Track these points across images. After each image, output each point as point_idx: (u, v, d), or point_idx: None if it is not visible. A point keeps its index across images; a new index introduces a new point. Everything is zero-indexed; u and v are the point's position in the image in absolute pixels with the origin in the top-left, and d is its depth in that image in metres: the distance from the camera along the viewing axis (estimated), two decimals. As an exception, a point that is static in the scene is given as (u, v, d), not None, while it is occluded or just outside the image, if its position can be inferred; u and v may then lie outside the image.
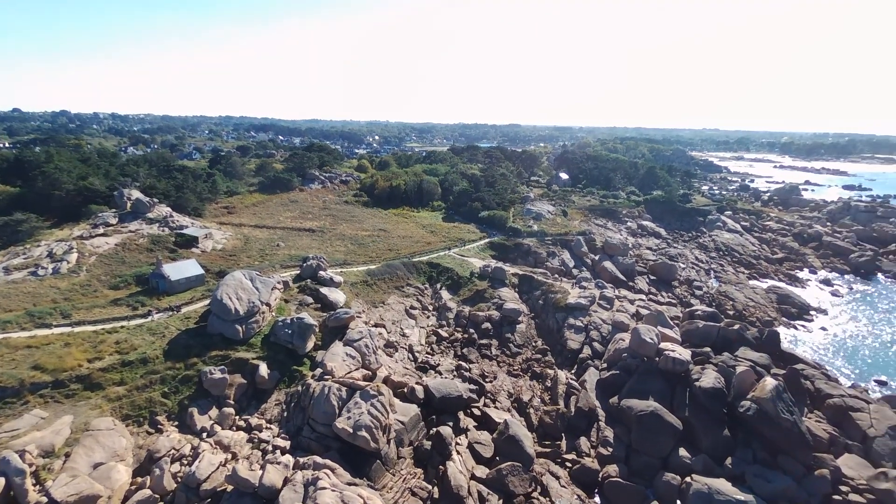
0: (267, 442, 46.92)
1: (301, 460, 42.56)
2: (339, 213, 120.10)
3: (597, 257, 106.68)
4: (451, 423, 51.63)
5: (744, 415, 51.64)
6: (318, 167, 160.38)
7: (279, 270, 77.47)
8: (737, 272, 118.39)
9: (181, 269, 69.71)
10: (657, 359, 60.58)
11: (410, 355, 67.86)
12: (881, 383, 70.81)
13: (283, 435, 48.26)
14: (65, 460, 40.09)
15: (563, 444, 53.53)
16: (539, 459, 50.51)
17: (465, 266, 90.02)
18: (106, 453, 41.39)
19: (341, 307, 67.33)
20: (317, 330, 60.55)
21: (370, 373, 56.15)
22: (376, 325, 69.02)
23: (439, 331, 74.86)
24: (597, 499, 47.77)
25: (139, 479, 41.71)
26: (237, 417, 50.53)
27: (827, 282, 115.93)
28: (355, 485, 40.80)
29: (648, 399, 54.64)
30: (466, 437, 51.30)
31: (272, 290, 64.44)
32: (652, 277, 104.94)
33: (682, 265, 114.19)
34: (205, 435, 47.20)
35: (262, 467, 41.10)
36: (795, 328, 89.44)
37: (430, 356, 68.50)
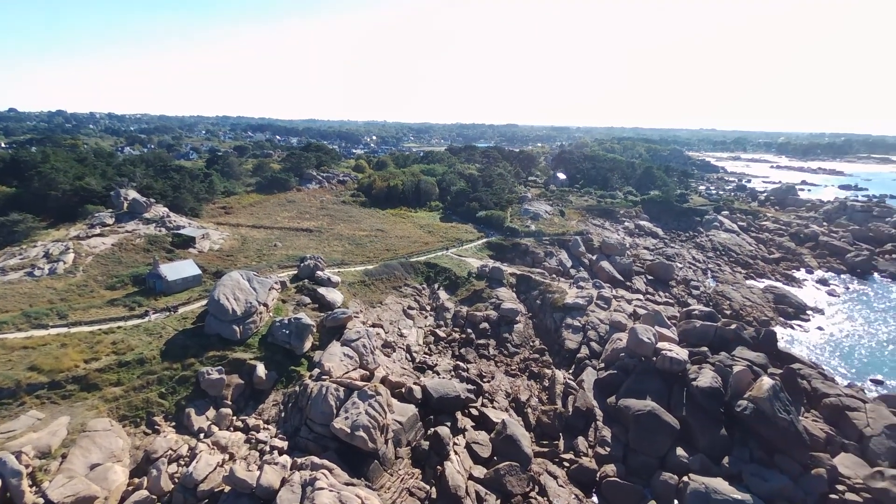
0: (264, 442, 46.79)
1: (299, 461, 42.44)
2: (337, 214, 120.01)
3: (594, 257, 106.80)
4: (448, 423, 51.64)
5: (741, 414, 51.80)
6: (316, 167, 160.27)
7: (276, 271, 77.32)
8: (734, 272, 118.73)
9: (178, 269, 69.48)
10: (654, 358, 60.74)
11: (408, 355, 67.83)
12: (877, 382, 71.18)
13: (280, 435, 48.17)
14: (61, 461, 39.95)
15: (561, 443, 53.61)
16: (537, 459, 50.59)
17: (463, 266, 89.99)
18: (103, 454, 41.26)
19: (339, 307, 67.19)
20: (314, 330, 60.46)
21: (368, 373, 56.06)
22: (374, 326, 68.96)
23: (437, 331, 74.85)
24: (594, 498, 47.87)
25: (136, 480, 41.57)
26: (234, 418, 50.43)
27: (823, 281, 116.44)
28: (353, 485, 40.77)
29: (646, 398, 54.82)
30: (464, 437, 51.34)
31: (269, 290, 64.38)
32: (649, 277, 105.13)
33: (680, 265, 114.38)
34: (202, 435, 47.08)
35: (260, 468, 40.97)
36: (792, 328, 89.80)
37: (427, 356, 68.48)
